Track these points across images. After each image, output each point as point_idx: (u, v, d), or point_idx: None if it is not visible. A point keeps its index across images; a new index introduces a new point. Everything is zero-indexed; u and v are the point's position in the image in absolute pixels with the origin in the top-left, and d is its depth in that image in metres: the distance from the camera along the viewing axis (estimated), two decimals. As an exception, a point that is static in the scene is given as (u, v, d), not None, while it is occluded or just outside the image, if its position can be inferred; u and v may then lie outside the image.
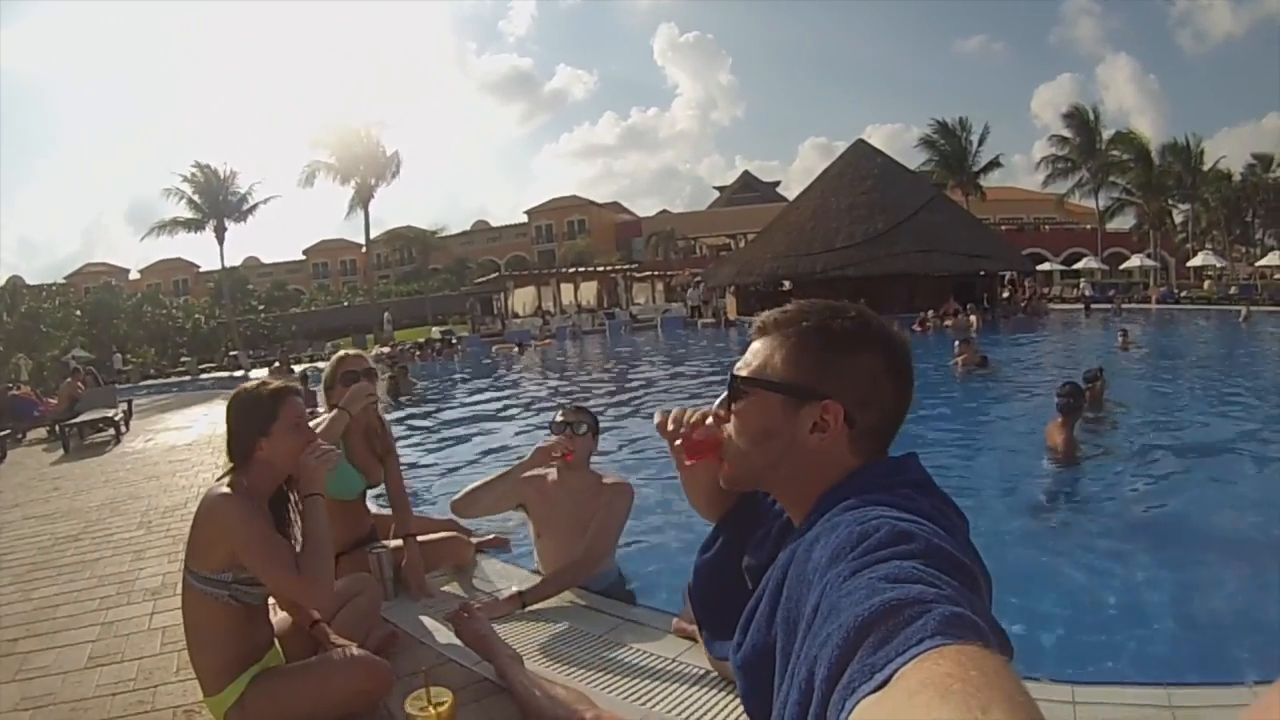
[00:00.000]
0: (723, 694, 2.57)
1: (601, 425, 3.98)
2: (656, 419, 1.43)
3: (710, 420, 1.32)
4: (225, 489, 2.37)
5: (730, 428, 1.22)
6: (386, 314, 42.25)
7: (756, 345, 1.22)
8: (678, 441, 1.37)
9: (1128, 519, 5.43)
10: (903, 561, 0.81)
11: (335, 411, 3.58)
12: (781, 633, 0.97)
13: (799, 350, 1.16)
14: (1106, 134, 45.11)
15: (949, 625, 0.67)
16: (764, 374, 1.17)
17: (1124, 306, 29.02)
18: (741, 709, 2.44)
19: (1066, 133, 46.03)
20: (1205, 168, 44.11)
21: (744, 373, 1.20)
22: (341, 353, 4.19)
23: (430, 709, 2.06)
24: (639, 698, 2.58)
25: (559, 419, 3.78)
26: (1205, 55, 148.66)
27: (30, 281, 52.76)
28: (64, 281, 58.76)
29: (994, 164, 46.90)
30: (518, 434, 10.50)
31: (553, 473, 3.77)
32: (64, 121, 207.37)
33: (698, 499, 1.56)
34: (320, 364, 25.57)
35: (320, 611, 2.72)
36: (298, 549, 2.45)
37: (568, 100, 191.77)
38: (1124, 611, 4.00)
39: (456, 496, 3.76)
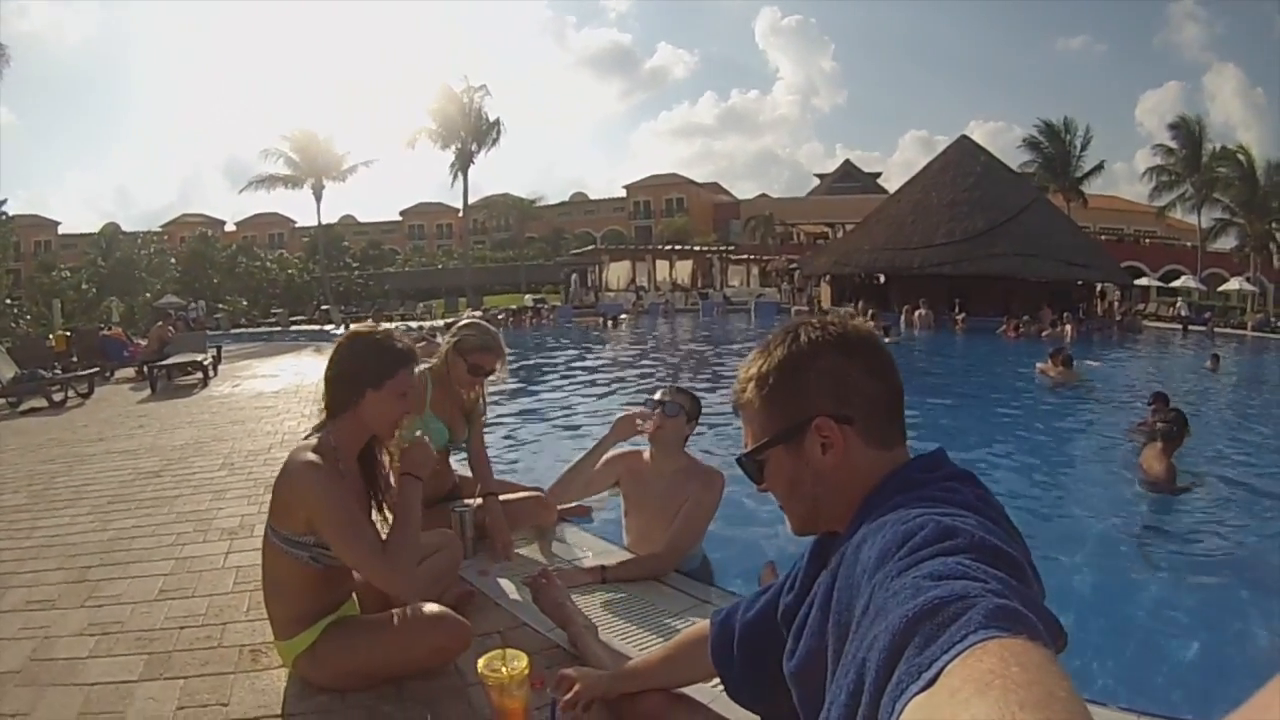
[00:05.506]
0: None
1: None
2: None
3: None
4: (311, 455, 2.24)
5: (774, 496, 1.31)
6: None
7: (742, 425, 1.33)
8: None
9: (1223, 552, 5.11)
10: (948, 558, 0.82)
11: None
12: (834, 637, 0.98)
13: (766, 402, 1.25)
14: (1212, 147, 43.02)
15: (994, 618, 0.67)
16: (757, 441, 1.27)
17: (1217, 330, 28.10)
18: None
19: (1172, 144, 43.98)
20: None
21: (744, 452, 1.30)
22: (472, 326, 3.83)
23: (504, 670, 1.97)
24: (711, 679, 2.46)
25: (655, 397, 3.62)
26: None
27: (126, 229, 54.72)
28: (160, 230, 60.74)
29: (1098, 170, 45.62)
30: (599, 409, 10.47)
31: (647, 451, 3.69)
32: (164, 76, 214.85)
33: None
34: (412, 323, 25.98)
35: (398, 598, 2.48)
36: (383, 526, 2.37)
37: (667, 79, 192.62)
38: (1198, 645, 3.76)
39: (551, 485, 3.82)
